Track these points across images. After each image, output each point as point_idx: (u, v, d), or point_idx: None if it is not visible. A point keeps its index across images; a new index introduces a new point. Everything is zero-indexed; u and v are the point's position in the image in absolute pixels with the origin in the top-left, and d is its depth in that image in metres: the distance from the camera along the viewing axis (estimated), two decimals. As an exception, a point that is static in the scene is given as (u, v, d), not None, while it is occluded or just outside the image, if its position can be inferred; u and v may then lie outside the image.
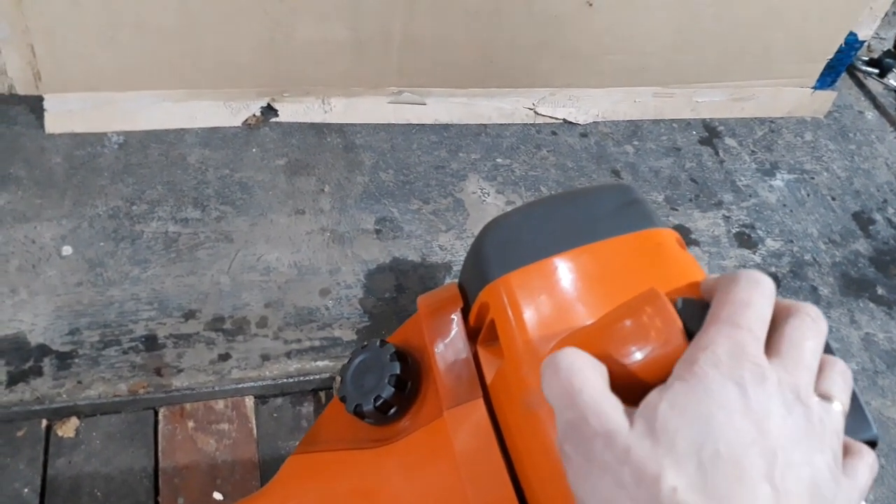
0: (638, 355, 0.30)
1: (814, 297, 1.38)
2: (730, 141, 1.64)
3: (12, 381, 0.98)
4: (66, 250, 1.12)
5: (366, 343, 0.41)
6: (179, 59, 1.28)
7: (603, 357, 0.30)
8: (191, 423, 0.99)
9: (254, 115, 1.38)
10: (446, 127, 1.47)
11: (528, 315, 0.35)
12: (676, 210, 1.47)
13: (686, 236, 1.43)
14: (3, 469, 0.92)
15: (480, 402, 0.36)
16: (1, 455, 0.92)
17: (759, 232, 1.47)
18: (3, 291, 1.06)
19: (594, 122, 1.59)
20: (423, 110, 1.45)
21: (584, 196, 0.40)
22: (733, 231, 1.46)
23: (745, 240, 1.45)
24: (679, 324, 0.29)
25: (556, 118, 1.55)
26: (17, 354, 1.00)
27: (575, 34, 1.44)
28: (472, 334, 0.39)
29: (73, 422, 0.97)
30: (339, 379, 0.35)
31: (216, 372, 1.04)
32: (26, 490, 0.91)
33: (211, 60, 1.30)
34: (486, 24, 1.36)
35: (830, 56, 1.62)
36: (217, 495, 0.95)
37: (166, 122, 1.31)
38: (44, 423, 0.96)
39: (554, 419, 0.30)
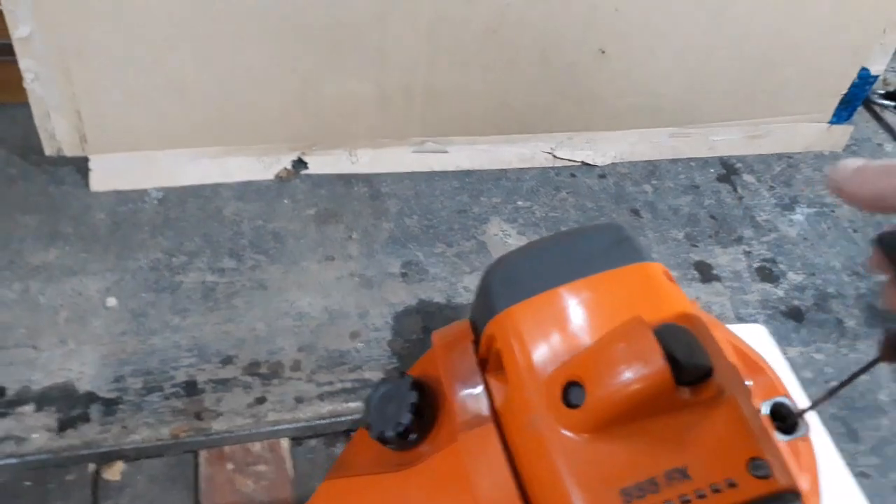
0: (625, 376, 0.33)
1: (839, 329, 1.39)
2: (748, 177, 1.67)
3: (62, 427, 1.03)
4: (111, 301, 1.19)
5: (386, 376, 0.45)
6: (215, 118, 1.36)
7: (593, 380, 0.34)
8: (230, 465, 1.03)
9: (285, 169, 1.45)
10: (468, 173, 1.53)
11: (530, 343, 0.39)
12: (696, 246, 1.49)
13: (707, 272, 1.46)
14: None
15: (491, 426, 0.40)
16: (53, 499, 0.97)
17: (781, 266, 1.49)
18: (53, 342, 1.12)
19: (612, 163, 1.63)
20: (445, 158, 1.51)
21: (579, 234, 0.44)
22: (755, 266, 1.48)
23: (767, 274, 1.47)
24: (658, 348, 0.33)
25: (575, 161, 1.60)
26: (66, 402, 1.06)
27: (590, 80, 1.50)
28: (482, 364, 0.43)
29: (119, 465, 1.01)
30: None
31: (253, 415, 1.08)
32: (75, 532, 0.95)
33: (244, 118, 1.38)
34: (502, 74, 1.43)
35: (844, 91, 1.65)
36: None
37: (203, 177, 1.39)
38: (91, 467, 1.01)
39: (557, 441, 0.34)
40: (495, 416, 0.40)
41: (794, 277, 1.47)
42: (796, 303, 1.43)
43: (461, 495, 0.39)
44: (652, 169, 1.64)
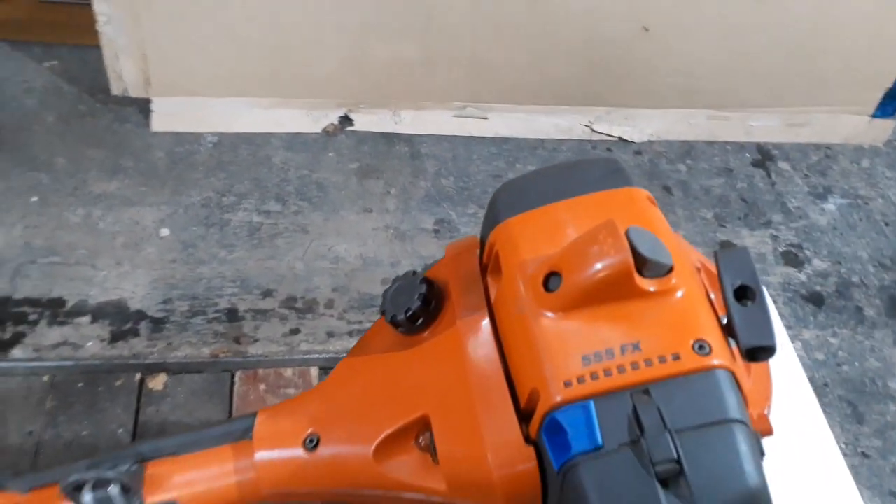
0: (594, 265, 0.40)
1: (858, 316, 1.41)
2: (783, 164, 1.68)
3: (114, 338, 1.14)
4: (164, 232, 1.29)
5: (402, 275, 0.52)
6: (270, 71, 1.44)
7: (568, 268, 0.41)
8: (262, 386, 1.12)
9: (332, 124, 1.53)
10: (506, 140, 1.58)
11: (522, 245, 0.45)
12: (724, 227, 1.53)
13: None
14: (103, 412, 1.07)
15: (485, 313, 0.46)
16: (102, 400, 1.08)
17: (807, 252, 1.51)
18: (110, 263, 1.23)
19: (648, 140, 1.67)
20: (484, 124, 1.57)
21: (577, 164, 0.51)
22: (780, 250, 1.51)
23: (792, 258, 1.49)
24: (625, 243, 0.39)
25: (612, 136, 1.64)
26: (119, 317, 1.16)
27: (631, 57, 1.54)
28: (483, 269, 0.50)
29: (163, 377, 1.11)
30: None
31: (287, 344, 1.17)
32: (121, 431, 1.05)
33: (297, 73, 1.46)
34: (545, 46, 1.48)
35: (890, 85, 1.65)
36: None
37: (256, 126, 1.48)
38: (138, 376, 1.11)
39: (535, 319, 0.41)
40: (490, 309, 0.47)
41: (819, 264, 1.49)
42: (818, 288, 1.45)
43: (456, 368, 0.46)
44: (687, 149, 1.67)
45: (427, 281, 0.50)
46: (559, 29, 1.45)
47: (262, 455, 0.51)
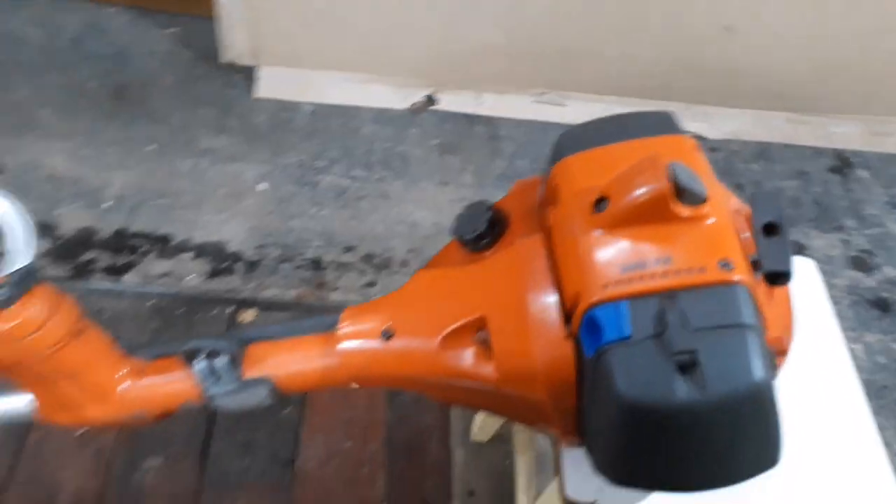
0: (639, 191, 0.47)
1: (923, 325, 1.40)
2: (862, 173, 1.68)
3: (212, 274, 1.27)
4: (262, 186, 1.42)
5: (473, 203, 0.60)
6: (366, 48, 1.56)
7: (615, 192, 0.48)
8: (336, 330, 1.23)
9: (418, 102, 1.63)
10: (582, 128, 1.64)
11: (578, 177, 0.53)
12: (794, 227, 1.54)
13: (799, 253, 1.50)
14: (199, 337, 1.20)
15: (541, 235, 0.54)
16: (197, 326, 1.21)
17: (878, 259, 1.51)
18: (212, 210, 1.36)
19: (725, 139, 1.69)
20: (562, 111, 1.64)
21: (632, 114, 0.58)
22: (850, 254, 1.51)
23: (861, 263, 1.50)
24: (665, 172, 0.46)
25: (688, 132, 1.67)
26: (218, 256, 1.30)
27: (713, 55, 1.57)
28: (543, 201, 0.58)
29: (252, 312, 1.24)
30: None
31: (363, 294, 1.28)
32: (212, 355, 1.18)
33: (390, 53, 1.57)
34: (628, 39, 1.53)
35: (983, 99, 1.62)
36: (354, 385, 1.18)
37: (348, 99, 1.60)
38: (230, 309, 1.24)
39: (584, 235, 0.49)
40: (546, 233, 0.55)
41: (890, 272, 1.49)
42: (885, 295, 1.45)
43: (513, 278, 0.54)
44: (763, 150, 1.69)
45: (493, 208, 0.58)
46: (644, 23, 1.50)
47: (344, 345, 0.60)
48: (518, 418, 0.59)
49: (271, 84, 1.57)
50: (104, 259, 1.27)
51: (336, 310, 0.61)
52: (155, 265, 1.27)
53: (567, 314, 0.50)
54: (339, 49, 1.56)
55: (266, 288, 1.26)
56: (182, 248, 1.30)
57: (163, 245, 1.30)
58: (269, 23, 1.50)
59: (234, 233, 1.33)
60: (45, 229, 1.29)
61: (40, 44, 1.60)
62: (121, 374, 0.63)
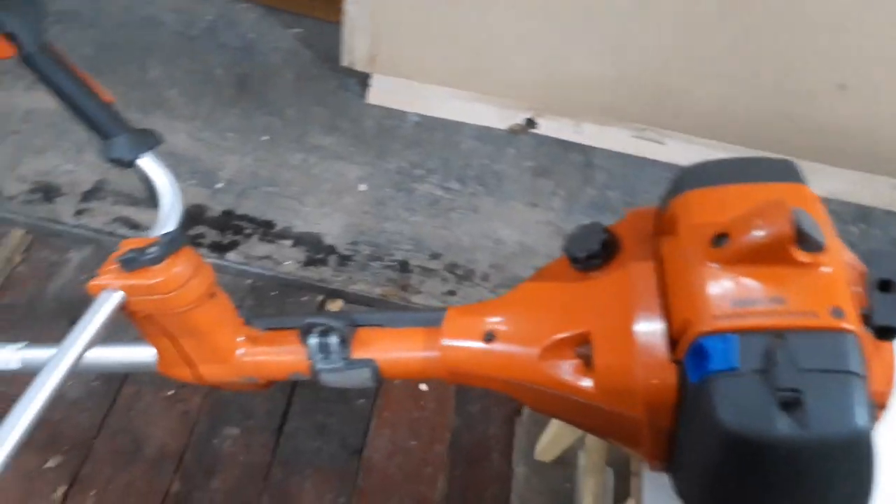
0: (761, 231, 0.49)
1: None
2: (967, 248, 1.62)
3: (307, 263, 1.34)
4: (362, 187, 1.48)
5: (587, 223, 0.63)
6: (475, 68, 1.61)
7: (736, 230, 0.50)
8: (416, 332, 1.27)
9: (518, 124, 1.67)
10: (679, 168, 1.65)
11: (698, 211, 0.55)
12: (886, 295, 1.49)
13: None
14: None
15: (653, 262, 0.57)
16: (289, 308, 1.28)
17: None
18: (314, 203, 1.44)
19: (824, 197, 1.65)
20: (660, 149, 1.65)
21: (756, 159, 0.60)
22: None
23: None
24: (790, 217, 0.48)
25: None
26: (314, 247, 1.36)
27: (822, 112, 1.55)
28: (657, 230, 0.60)
29: (339, 302, 1.30)
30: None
31: (444, 301, 1.32)
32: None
33: (498, 74, 1.61)
34: (737, 86, 1.53)
35: None
36: (423, 386, 1.22)
37: (453, 114, 1.65)
38: (320, 297, 1.30)
39: (699, 266, 0.51)
40: (658, 261, 0.57)
41: None
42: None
43: (622, 300, 0.56)
44: (864, 214, 1.65)
45: (607, 231, 0.61)
46: (755, 72, 1.50)
47: (447, 341, 0.64)
48: (606, 434, 0.62)
49: (382, 92, 1.65)
50: (211, 235, 1.35)
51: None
52: (256, 247, 1.34)
53: (673, 340, 0.52)
54: (449, 66, 1.62)
55: (354, 282, 1.32)
56: (283, 234, 1.37)
57: (265, 230, 1.37)
58: (388, 33, 1.57)
59: (331, 227, 1.40)
60: (162, 201, 1.39)
61: (176, 29, 1.72)
62: (240, 339, 0.68)
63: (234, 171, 1.46)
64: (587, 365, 0.57)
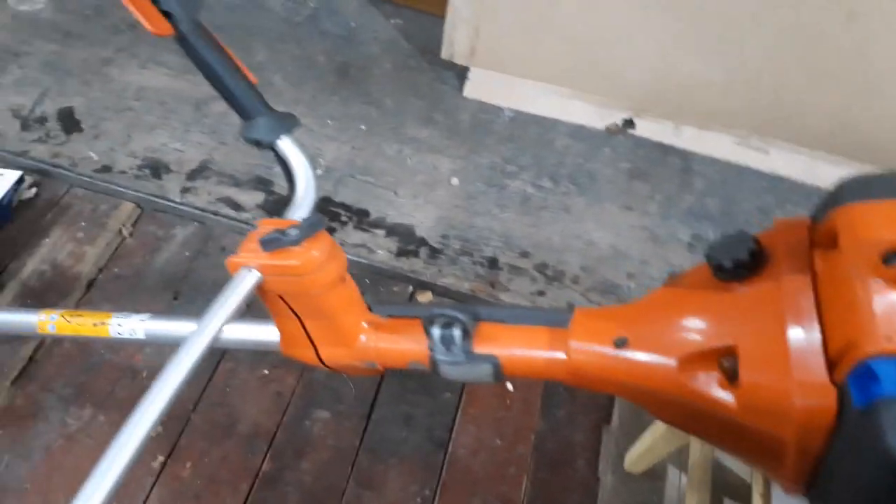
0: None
1: None
2: None
3: (399, 253, 1.34)
4: (455, 181, 1.48)
5: (733, 232, 0.61)
6: (574, 65, 1.58)
7: None
8: (505, 330, 1.26)
9: (615, 124, 1.64)
10: (781, 179, 1.59)
11: (863, 226, 0.52)
12: None
13: None
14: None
15: (809, 276, 0.54)
16: (380, 297, 1.28)
17: None
18: (408, 194, 1.44)
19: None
20: (764, 158, 1.59)
21: None
22: None
23: None
24: None
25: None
26: (406, 238, 1.37)
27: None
28: (813, 244, 0.57)
29: (429, 294, 1.30)
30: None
31: (532, 301, 1.30)
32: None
33: (598, 71, 1.58)
34: (850, 98, 1.46)
35: None
36: (509, 386, 1.21)
37: (548, 111, 1.63)
38: (410, 288, 1.30)
39: (866, 284, 0.48)
40: (813, 275, 0.54)
41: None
42: None
43: (775, 314, 0.54)
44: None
45: (756, 241, 0.59)
46: (871, 86, 1.42)
47: (575, 343, 0.63)
48: (741, 451, 0.59)
49: (479, 85, 1.64)
50: (308, 220, 1.37)
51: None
52: (352, 235, 1.36)
53: (830, 360, 0.49)
54: (548, 61, 1.60)
55: (444, 276, 1.32)
56: (377, 224, 1.38)
57: (360, 218, 1.39)
58: (490, 27, 1.56)
59: (423, 219, 1.40)
60: (263, 184, 1.42)
61: (282, 16, 1.75)
62: (364, 325, 0.68)
63: (332, 157, 1.48)
64: (728, 379, 0.55)
